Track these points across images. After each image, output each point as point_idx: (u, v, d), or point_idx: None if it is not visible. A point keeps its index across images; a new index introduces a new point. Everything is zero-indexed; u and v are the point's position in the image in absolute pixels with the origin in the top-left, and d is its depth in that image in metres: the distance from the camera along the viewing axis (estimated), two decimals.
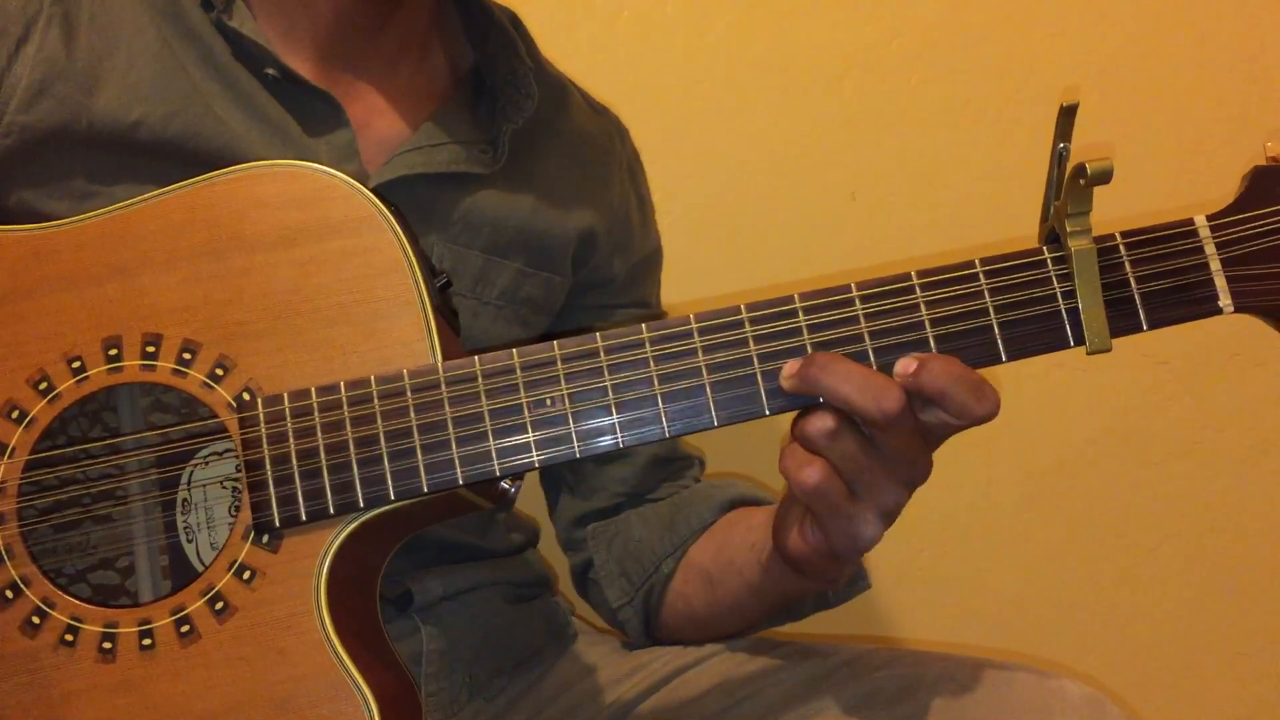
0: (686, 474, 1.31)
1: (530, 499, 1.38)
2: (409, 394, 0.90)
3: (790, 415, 0.91)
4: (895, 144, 1.72)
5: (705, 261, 1.69)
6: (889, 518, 0.91)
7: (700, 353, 0.90)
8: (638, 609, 1.25)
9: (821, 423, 0.87)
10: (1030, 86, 1.72)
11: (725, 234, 1.71)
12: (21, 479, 0.93)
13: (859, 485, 0.89)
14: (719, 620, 1.19)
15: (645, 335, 0.91)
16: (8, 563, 0.92)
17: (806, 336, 0.90)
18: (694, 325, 0.91)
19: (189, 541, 0.97)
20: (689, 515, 1.22)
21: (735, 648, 1.19)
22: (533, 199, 1.21)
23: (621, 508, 1.29)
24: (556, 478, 1.33)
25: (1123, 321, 0.90)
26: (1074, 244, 0.88)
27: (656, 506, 1.27)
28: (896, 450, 0.88)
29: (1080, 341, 0.89)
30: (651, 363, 0.90)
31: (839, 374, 0.86)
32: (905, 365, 0.87)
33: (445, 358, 0.92)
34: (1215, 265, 0.90)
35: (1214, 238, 0.90)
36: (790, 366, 0.89)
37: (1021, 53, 1.72)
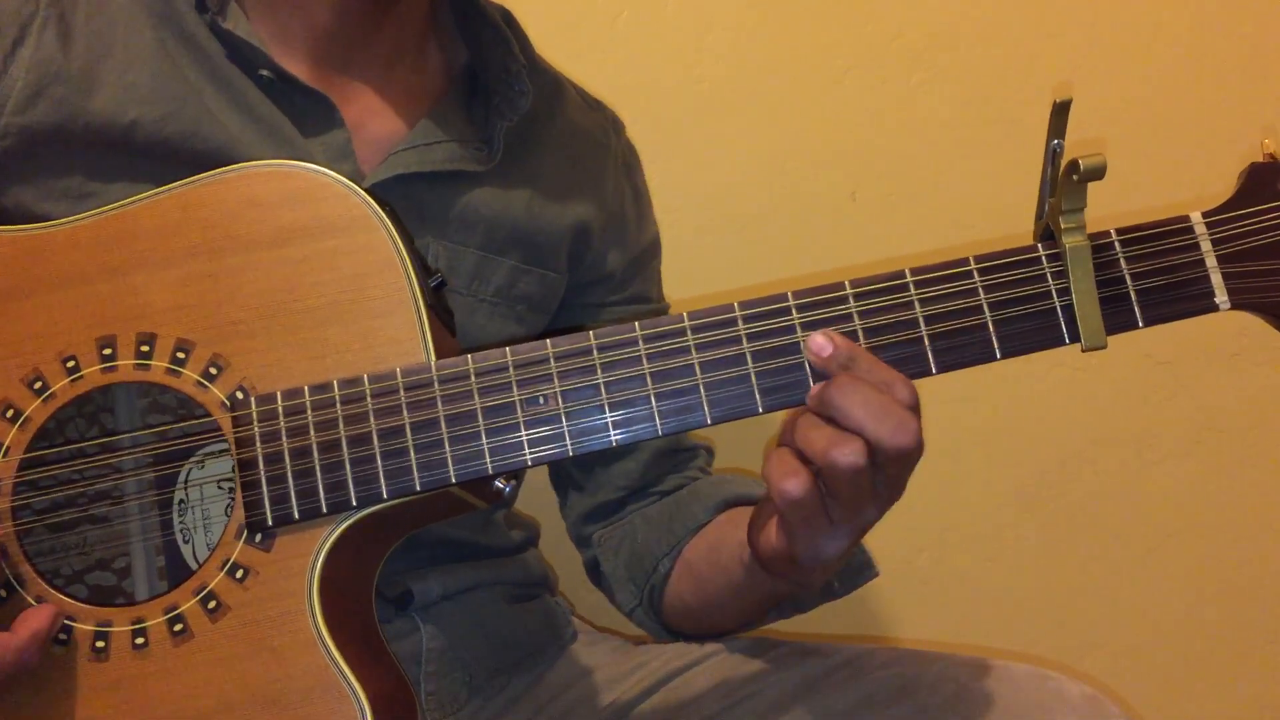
0: (692, 464, 1.30)
1: (530, 498, 1.38)
2: (402, 392, 0.90)
3: None
4: (895, 144, 1.72)
5: (705, 261, 1.69)
6: (859, 535, 0.91)
7: (694, 350, 0.90)
8: (647, 610, 1.25)
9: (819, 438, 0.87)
10: (1030, 86, 1.72)
11: (725, 234, 1.71)
12: (15, 478, 0.93)
13: (840, 502, 0.88)
14: (711, 618, 1.19)
15: (638, 333, 0.91)
16: (1, 562, 0.91)
17: (800, 335, 0.90)
18: (687, 323, 0.91)
19: (185, 542, 0.97)
20: (685, 515, 1.22)
21: (735, 648, 1.19)
22: (528, 196, 1.21)
23: (626, 501, 1.29)
24: (566, 477, 1.33)
25: (1118, 319, 0.89)
26: (1068, 240, 0.88)
27: (661, 505, 1.27)
28: (893, 475, 0.88)
29: (1076, 339, 0.89)
30: (644, 360, 0.90)
31: (857, 400, 0.85)
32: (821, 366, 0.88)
33: (439, 356, 0.91)
34: (1211, 262, 0.90)
35: (1210, 234, 0.90)
36: (813, 388, 0.88)
37: (1021, 53, 1.72)
